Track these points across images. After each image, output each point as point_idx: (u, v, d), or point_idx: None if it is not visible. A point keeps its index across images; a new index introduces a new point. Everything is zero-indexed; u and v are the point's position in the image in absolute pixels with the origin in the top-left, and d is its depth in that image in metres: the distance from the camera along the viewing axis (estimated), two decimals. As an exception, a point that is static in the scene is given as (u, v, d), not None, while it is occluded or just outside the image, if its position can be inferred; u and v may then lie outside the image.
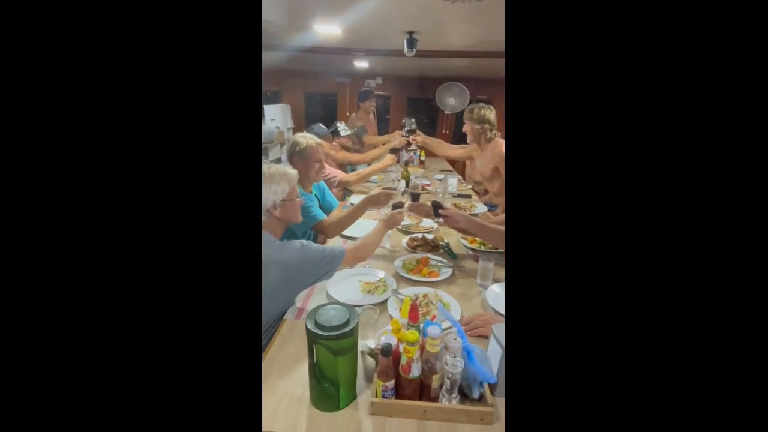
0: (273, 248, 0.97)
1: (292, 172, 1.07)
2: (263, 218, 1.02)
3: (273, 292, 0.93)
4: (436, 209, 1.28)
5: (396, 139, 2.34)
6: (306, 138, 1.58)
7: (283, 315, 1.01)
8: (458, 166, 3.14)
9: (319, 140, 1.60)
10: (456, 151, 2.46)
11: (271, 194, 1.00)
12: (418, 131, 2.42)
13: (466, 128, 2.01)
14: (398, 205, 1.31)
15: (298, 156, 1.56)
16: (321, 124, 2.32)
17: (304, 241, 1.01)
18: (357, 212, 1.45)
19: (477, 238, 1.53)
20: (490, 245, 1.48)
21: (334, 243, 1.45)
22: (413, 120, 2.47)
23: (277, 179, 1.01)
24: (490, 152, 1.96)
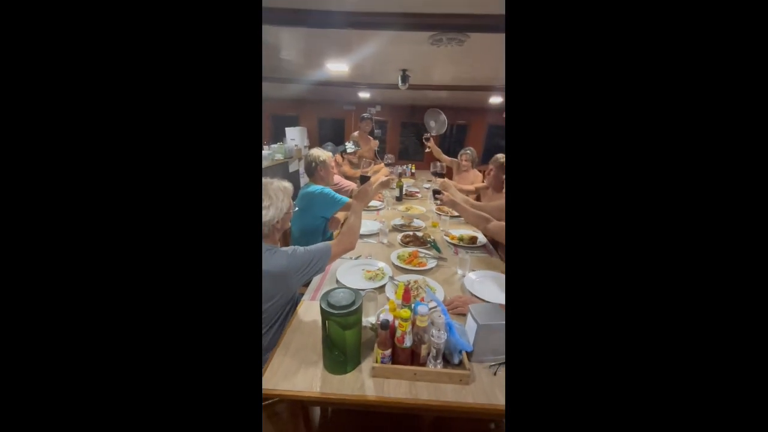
0: (264, 258, 0.83)
1: (289, 185, 0.95)
2: (265, 232, 0.89)
3: (270, 297, 0.84)
4: (435, 194, 1.48)
5: (381, 172, 2.40)
6: (322, 152, 1.61)
7: (285, 314, 0.93)
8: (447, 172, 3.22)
9: (329, 153, 1.63)
10: (446, 159, 2.74)
11: (278, 212, 0.89)
12: (431, 138, 2.68)
13: (463, 159, 2.52)
14: (365, 179, 1.25)
15: (321, 165, 1.58)
16: (331, 143, 2.37)
17: (294, 247, 0.89)
18: (372, 196, 1.49)
19: (456, 236, 1.55)
20: (467, 242, 1.50)
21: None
22: (429, 134, 2.71)
23: (281, 196, 0.90)
24: (473, 174, 2.49)
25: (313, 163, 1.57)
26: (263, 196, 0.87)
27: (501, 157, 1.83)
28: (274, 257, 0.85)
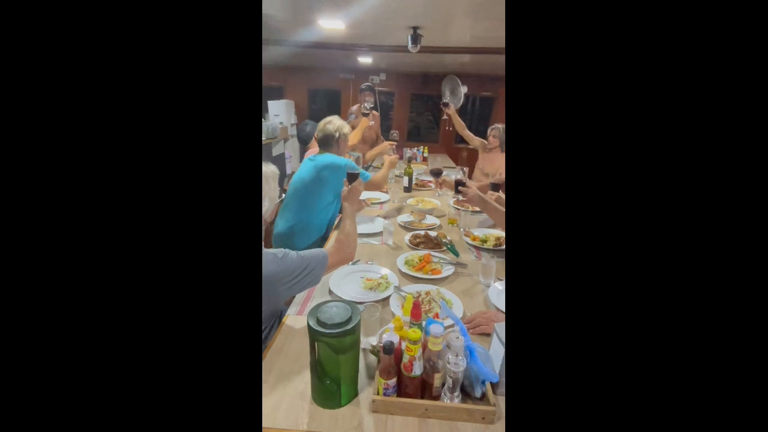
0: None
1: (276, 169, 0.94)
2: None
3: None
4: (458, 186, 1.35)
5: (387, 149, 2.38)
6: (344, 123, 1.67)
7: (267, 331, 0.94)
8: (458, 162, 3.15)
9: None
10: (474, 139, 2.65)
11: (271, 203, 0.90)
12: (450, 105, 2.59)
13: (491, 136, 2.48)
14: (353, 177, 1.21)
15: (343, 139, 1.66)
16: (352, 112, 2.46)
17: (284, 251, 0.88)
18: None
19: (479, 236, 1.53)
20: (493, 243, 1.48)
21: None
22: (447, 97, 2.66)
23: (272, 184, 0.90)
24: (502, 157, 2.39)
25: (338, 134, 1.64)
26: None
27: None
28: (263, 260, 0.83)
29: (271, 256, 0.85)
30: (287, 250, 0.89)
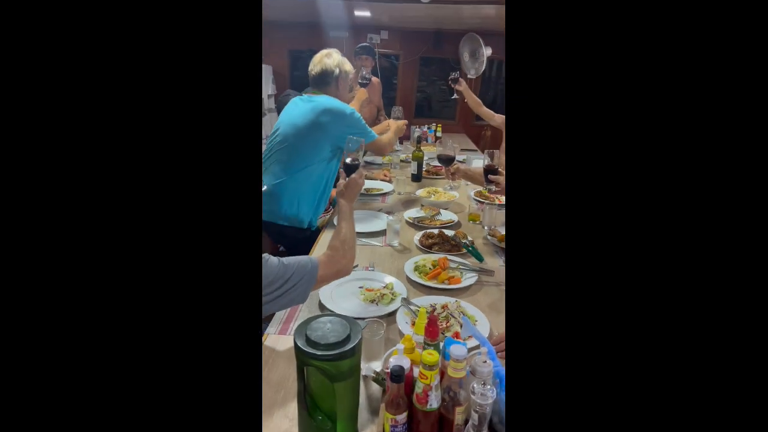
0: None
1: None
2: None
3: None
4: (487, 174, 1.32)
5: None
6: (347, 61, 1.68)
7: None
8: (480, 144, 3.15)
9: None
10: (495, 116, 2.60)
11: None
12: (461, 80, 2.58)
13: None
14: (352, 167, 1.17)
15: (343, 78, 1.65)
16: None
17: (265, 255, 0.88)
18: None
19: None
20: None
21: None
22: (459, 73, 2.65)
23: None
24: None
25: (338, 70, 1.62)
26: None
27: None
28: None
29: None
30: (267, 254, 0.88)
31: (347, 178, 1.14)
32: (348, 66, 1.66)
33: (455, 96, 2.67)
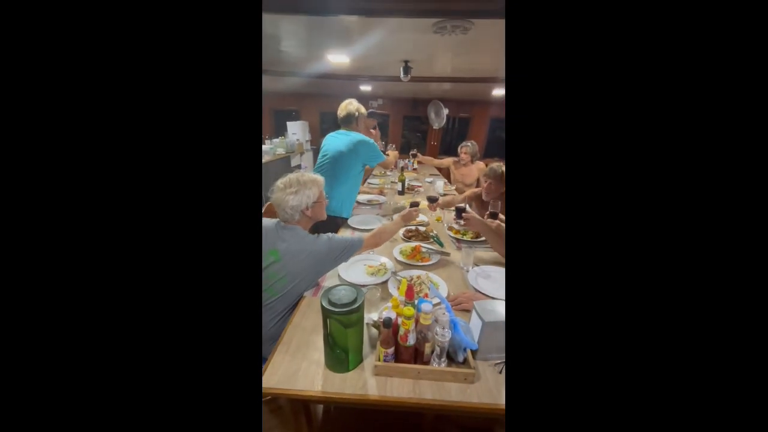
0: (306, 241, 0.95)
1: (320, 178, 1.03)
2: (297, 218, 0.98)
3: (306, 276, 0.94)
4: (459, 213, 1.24)
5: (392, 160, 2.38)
6: (360, 105, 1.65)
7: (292, 306, 0.97)
8: (443, 171, 3.15)
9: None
10: (443, 161, 2.79)
11: (305, 198, 0.97)
12: (418, 154, 2.79)
13: (462, 152, 2.53)
14: (414, 204, 1.28)
15: (361, 118, 1.65)
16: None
17: (330, 235, 1.00)
18: (395, 227, 1.30)
19: (460, 230, 1.52)
20: (471, 236, 1.47)
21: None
22: (415, 150, 2.85)
23: (309, 185, 0.99)
24: (476, 168, 2.50)
25: (357, 113, 1.63)
26: (293, 183, 0.97)
27: (498, 167, 1.57)
28: (317, 242, 0.96)
29: (321, 239, 0.97)
30: (332, 234, 1.00)
31: (410, 209, 1.22)
32: (363, 109, 1.66)
33: (417, 161, 2.87)
